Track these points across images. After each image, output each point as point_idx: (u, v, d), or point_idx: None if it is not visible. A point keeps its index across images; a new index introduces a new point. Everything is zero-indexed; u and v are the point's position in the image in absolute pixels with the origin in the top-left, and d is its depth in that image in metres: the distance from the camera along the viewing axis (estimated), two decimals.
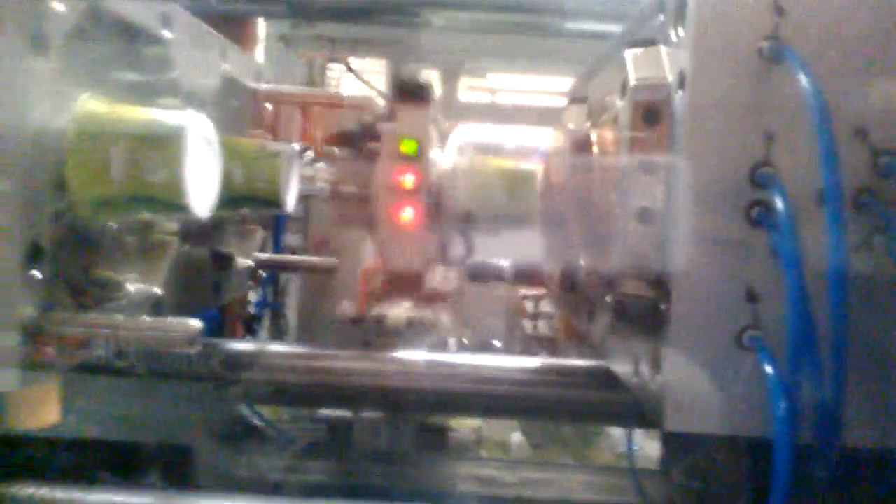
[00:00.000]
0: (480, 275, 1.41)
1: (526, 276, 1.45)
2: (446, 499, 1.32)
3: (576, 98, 1.08)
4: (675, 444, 0.94)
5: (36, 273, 0.82)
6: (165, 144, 0.83)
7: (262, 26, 2.21)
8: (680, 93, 0.75)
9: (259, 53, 2.19)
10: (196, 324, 0.85)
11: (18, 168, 0.79)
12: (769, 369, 0.70)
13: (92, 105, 0.87)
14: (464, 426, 2.36)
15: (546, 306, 2.42)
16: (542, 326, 2.47)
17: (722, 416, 0.74)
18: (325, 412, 2.03)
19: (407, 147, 1.22)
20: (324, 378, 1.22)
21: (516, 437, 2.62)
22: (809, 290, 0.67)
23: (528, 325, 2.51)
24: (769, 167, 0.72)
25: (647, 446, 1.57)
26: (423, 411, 1.81)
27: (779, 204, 0.70)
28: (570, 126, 1.04)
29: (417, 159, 1.22)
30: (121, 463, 1.21)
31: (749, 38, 0.72)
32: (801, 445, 0.68)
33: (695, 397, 0.74)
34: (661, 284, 0.78)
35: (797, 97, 0.68)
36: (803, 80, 0.68)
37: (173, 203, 0.85)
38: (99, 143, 0.84)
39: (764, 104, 0.72)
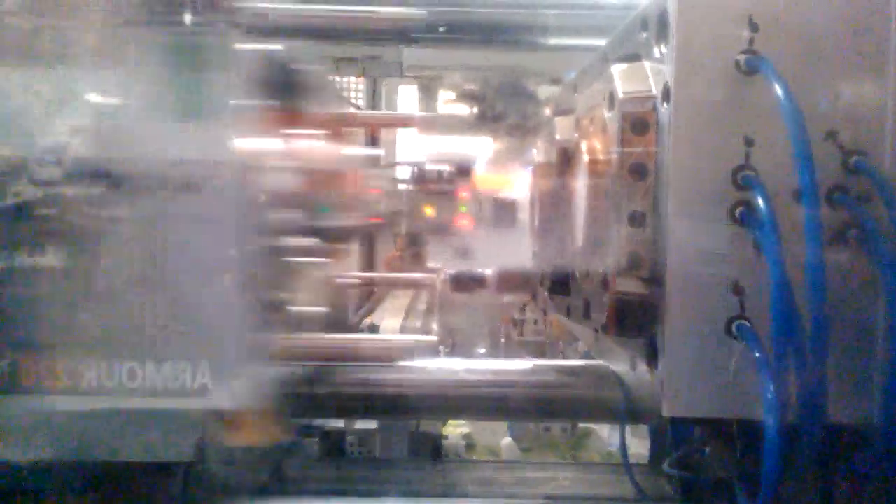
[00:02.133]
0: (463, 284, 1.44)
1: (510, 282, 1.49)
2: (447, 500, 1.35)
3: (562, 110, 1.13)
4: (666, 433, 0.98)
5: (255, 300, 0.87)
6: None
7: None
8: (665, 104, 0.81)
9: None
10: (408, 339, 0.91)
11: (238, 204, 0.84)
12: (756, 355, 0.76)
13: None
14: (454, 433, 2.39)
15: (530, 312, 2.46)
16: (528, 332, 2.50)
17: (715, 400, 0.79)
18: (319, 422, 2.05)
19: None
20: (326, 389, 1.24)
21: (506, 441, 2.65)
22: (791, 281, 0.72)
23: (513, 331, 2.54)
24: (750, 170, 0.77)
25: (633, 445, 1.61)
26: (429, 416, 1.83)
27: (760, 203, 0.76)
28: (558, 136, 1.09)
29: None
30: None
31: (727, 52, 0.78)
32: (789, 425, 0.73)
33: (689, 385, 0.80)
34: (654, 282, 0.83)
35: (773, 105, 0.74)
36: (778, 88, 0.73)
37: None
38: None
39: (743, 112, 0.78)
